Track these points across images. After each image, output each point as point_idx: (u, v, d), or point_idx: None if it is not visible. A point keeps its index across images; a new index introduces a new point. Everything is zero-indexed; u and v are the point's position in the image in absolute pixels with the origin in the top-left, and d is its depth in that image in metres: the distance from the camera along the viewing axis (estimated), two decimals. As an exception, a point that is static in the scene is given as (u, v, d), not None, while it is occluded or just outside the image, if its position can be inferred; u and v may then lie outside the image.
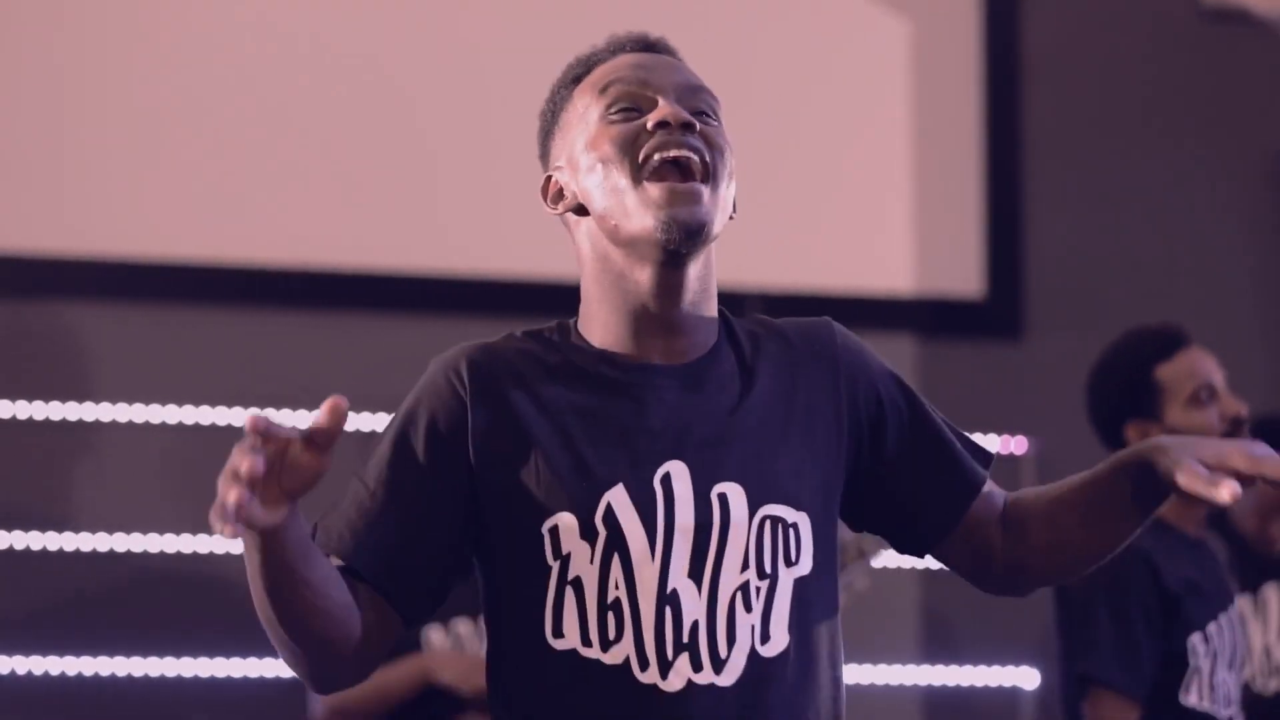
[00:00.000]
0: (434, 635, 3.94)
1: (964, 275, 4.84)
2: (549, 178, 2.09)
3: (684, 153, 1.98)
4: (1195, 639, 3.33)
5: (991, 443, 4.77)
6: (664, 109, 1.99)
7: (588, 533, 1.95)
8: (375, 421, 4.38)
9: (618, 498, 1.95)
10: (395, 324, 4.47)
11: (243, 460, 1.71)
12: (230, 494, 1.70)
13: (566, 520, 1.95)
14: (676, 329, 2.03)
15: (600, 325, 2.05)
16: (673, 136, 1.98)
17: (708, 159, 1.99)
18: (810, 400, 2.05)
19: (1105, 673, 3.29)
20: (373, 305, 4.47)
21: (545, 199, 2.10)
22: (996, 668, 4.69)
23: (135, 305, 4.37)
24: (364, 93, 4.51)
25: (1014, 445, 4.78)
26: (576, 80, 2.08)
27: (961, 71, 4.89)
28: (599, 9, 4.60)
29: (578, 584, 1.95)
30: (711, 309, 2.06)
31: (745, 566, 1.97)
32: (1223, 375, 3.48)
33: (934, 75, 4.87)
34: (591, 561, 1.94)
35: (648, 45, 2.09)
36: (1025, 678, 4.68)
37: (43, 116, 4.37)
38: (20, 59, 4.37)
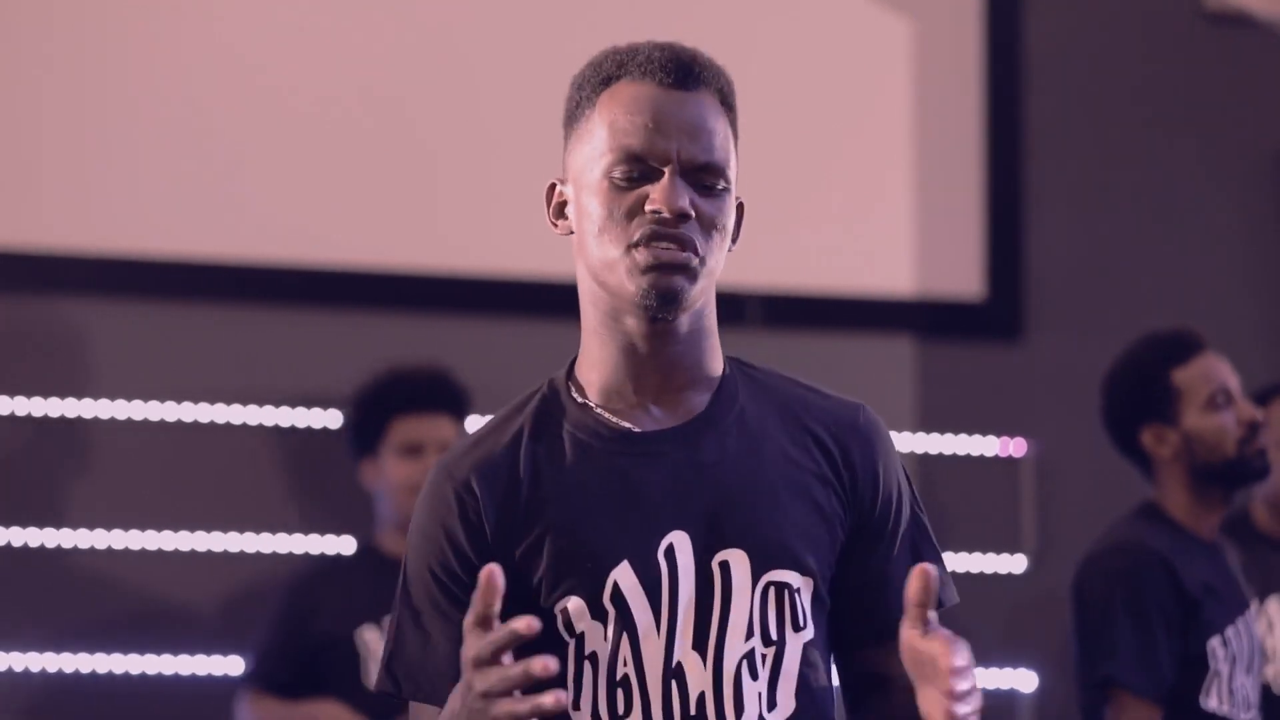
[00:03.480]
0: (369, 635, 3.97)
1: (964, 276, 4.83)
2: (554, 185, 2.10)
3: (669, 249, 1.98)
4: (1214, 642, 3.33)
5: (990, 445, 4.76)
6: (661, 195, 1.99)
7: (598, 613, 1.99)
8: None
9: (623, 575, 1.99)
10: (395, 322, 4.44)
11: (537, 663, 1.78)
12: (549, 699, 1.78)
13: (575, 604, 2.00)
14: (671, 367, 2.05)
15: (597, 362, 2.07)
16: (664, 229, 1.99)
17: (698, 247, 2.00)
18: (817, 468, 2.06)
19: (1126, 676, 3.29)
20: (372, 303, 4.45)
21: (548, 207, 2.11)
22: (994, 670, 4.67)
23: (131, 301, 4.34)
24: (366, 90, 4.48)
25: (1013, 447, 4.77)
26: (605, 82, 2.05)
27: (962, 72, 4.87)
28: (598, 8, 4.58)
29: (594, 658, 2.00)
30: (711, 350, 2.08)
31: (750, 634, 2.01)
32: (1237, 380, 3.50)
33: (935, 75, 4.85)
34: (605, 639, 1.99)
35: (679, 77, 2.04)
36: (1023, 680, 4.67)
37: (40, 111, 4.33)
38: (22, 56, 4.33)
